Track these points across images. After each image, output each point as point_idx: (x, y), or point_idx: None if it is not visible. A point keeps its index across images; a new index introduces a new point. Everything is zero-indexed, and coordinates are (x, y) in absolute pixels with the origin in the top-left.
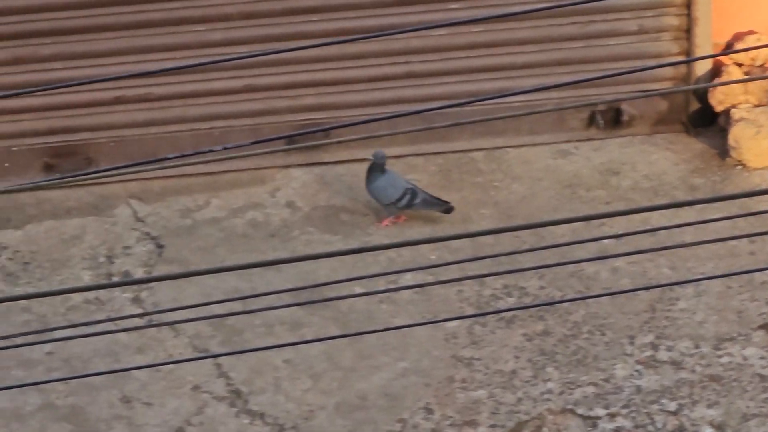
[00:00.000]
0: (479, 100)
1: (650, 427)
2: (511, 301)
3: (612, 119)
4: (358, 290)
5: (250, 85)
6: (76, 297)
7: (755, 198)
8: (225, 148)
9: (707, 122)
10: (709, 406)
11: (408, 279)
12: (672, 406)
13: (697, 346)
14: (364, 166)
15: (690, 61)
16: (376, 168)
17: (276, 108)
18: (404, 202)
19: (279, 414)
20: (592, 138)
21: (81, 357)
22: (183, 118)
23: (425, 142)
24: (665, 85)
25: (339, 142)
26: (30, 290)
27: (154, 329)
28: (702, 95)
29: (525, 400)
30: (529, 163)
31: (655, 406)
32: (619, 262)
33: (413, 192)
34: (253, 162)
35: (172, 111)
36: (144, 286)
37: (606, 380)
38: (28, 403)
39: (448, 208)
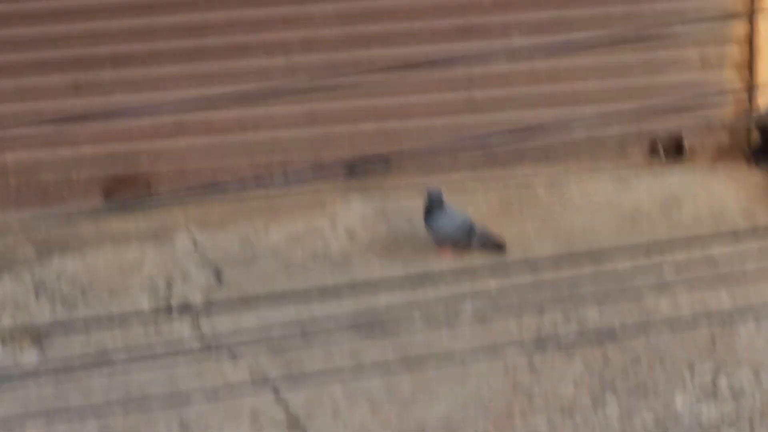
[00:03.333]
0: (539, 131)
1: None
2: (571, 331)
3: (673, 150)
4: (418, 319)
5: (311, 112)
6: (135, 324)
7: None
8: (285, 176)
9: None
10: None
11: (468, 308)
12: None
13: (757, 376)
14: (424, 200)
15: (752, 92)
16: (433, 203)
17: (336, 136)
18: (461, 240)
19: None
20: (653, 168)
21: (139, 383)
22: (243, 145)
23: (486, 171)
24: (727, 117)
25: (400, 170)
26: (88, 317)
27: (212, 357)
28: (764, 126)
29: (584, 429)
30: (590, 192)
31: None
32: (679, 293)
33: (471, 230)
34: (313, 190)
35: (232, 138)
36: (203, 313)
37: (666, 409)
38: (86, 431)
39: (501, 248)
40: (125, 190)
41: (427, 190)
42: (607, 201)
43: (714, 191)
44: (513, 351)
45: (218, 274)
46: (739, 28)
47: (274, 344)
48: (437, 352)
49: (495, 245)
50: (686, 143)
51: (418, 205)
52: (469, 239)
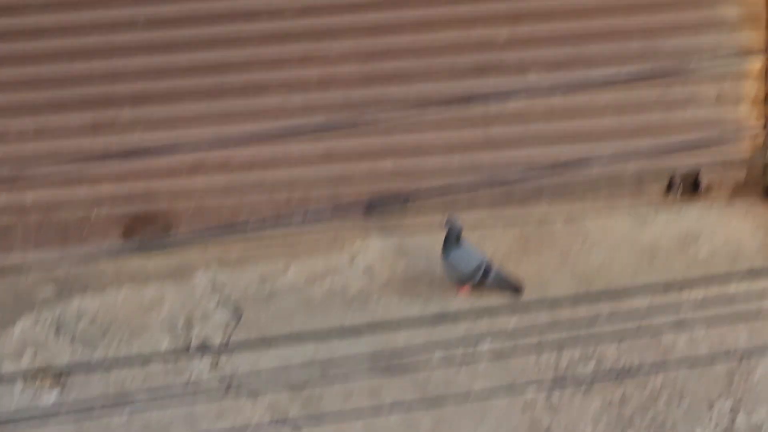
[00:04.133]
0: (557, 168)
1: None
2: (589, 369)
3: (690, 186)
4: (437, 357)
5: (329, 151)
6: (155, 363)
7: None
8: (304, 215)
9: None
10: None
11: (486, 346)
12: None
13: None
14: (442, 233)
15: None
16: (452, 238)
17: (354, 174)
18: (476, 279)
19: None
20: (671, 205)
21: (160, 423)
22: (262, 184)
23: (504, 208)
24: (744, 153)
25: (418, 208)
26: (109, 357)
27: (232, 397)
28: None
29: None
30: (608, 229)
31: None
32: (697, 330)
33: (487, 269)
34: (331, 228)
35: (251, 177)
36: (222, 352)
37: None
38: None
39: (518, 290)
40: (144, 229)
41: (448, 219)
42: (624, 238)
43: (731, 228)
44: (531, 389)
45: (238, 313)
46: (756, 64)
47: (294, 383)
48: (456, 390)
49: (511, 286)
50: (703, 179)
51: (436, 242)
52: (485, 278)
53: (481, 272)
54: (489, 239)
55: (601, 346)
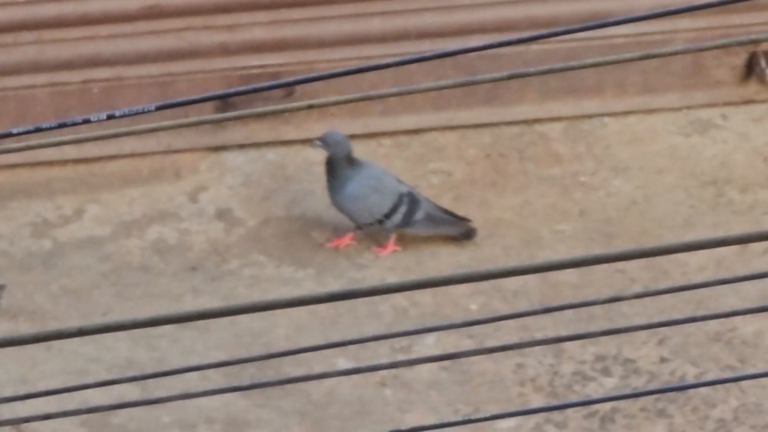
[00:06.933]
0: (555, 34)
1: None
2: (609, 384)
3: None
4: (343, 364)
5: (156, 6)
6: None
7: None
8: (111, 117)
9: None
10: None
11: (430, 345)
12: None
13: None
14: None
15: None
16: (341, 162)
17: (201, 47)
18: (398, 218)
19: None
20: (752, 100)
21: None
22: (36, 63)
23: (460, 108)
24: None
25: (310, 106)
26: None
27: None
28: None
29: None
30: (642, 142)
31: None
32: None
33: (411, 201)
34: (159, 141)
35: (20, 50)
36: None
37: None
38: None
39: (467, 231)
40: None
41: (322, 139)
42: (671, 156)
43: None
44: (509, 420)
45: None
46: None
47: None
48: (376, 420)
49: (454, 222)
50: None
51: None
52: (411, 214)
53: (404, 207)
54: (435, 160)
55: (630, 344)
